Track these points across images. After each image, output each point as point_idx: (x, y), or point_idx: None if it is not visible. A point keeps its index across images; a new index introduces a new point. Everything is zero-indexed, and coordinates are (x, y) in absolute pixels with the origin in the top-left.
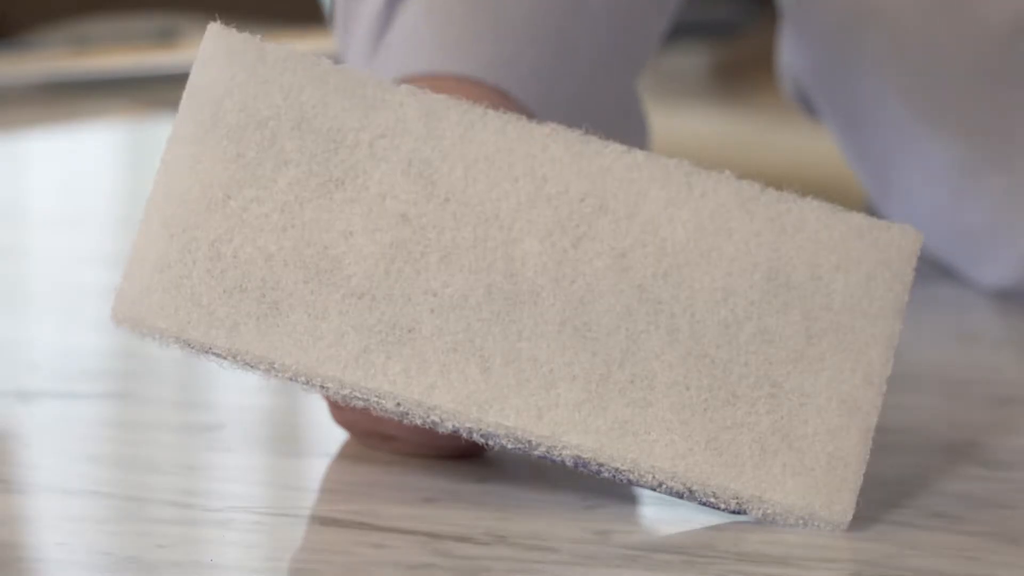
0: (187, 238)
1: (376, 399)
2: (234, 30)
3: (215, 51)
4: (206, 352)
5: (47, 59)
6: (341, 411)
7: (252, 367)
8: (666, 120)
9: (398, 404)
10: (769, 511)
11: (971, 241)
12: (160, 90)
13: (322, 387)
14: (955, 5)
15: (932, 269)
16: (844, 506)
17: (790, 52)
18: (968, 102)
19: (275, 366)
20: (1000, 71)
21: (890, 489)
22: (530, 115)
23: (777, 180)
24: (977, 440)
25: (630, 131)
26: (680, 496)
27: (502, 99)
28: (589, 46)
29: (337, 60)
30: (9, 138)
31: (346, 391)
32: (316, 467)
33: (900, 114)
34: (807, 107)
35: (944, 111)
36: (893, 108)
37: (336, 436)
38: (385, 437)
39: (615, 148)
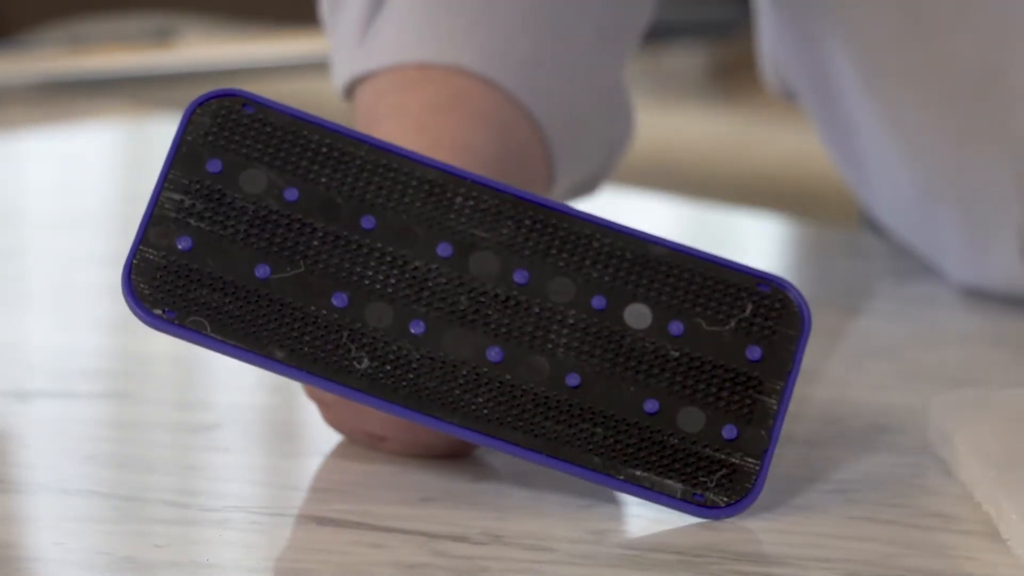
0: None
1: None
2: None
3: None
4: None
5: (44, 58)
6: (331, 411)
7: None
8: (664, 119)
9: None
10: None
11: (939, 235)
12: (157, 90)
13: None
14: (927, 38)
15: (927, 269)
16: None
17: (769, 39)
18: (931, 131)
19: None
20: (965, 107)
21: (886, 489)
22: (520, 107)
23: (773, 178)
24: None
25: (615, 123)
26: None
27: (492, 91)
28: (580, 37)
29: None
30: (5, 138)
31: None
32: (313, 467)
33: (868, 122)
34: (787, 93)
35: (908, 136)
36: (862, 112)
37: (333, 436)
38: (375, 436)
39: None
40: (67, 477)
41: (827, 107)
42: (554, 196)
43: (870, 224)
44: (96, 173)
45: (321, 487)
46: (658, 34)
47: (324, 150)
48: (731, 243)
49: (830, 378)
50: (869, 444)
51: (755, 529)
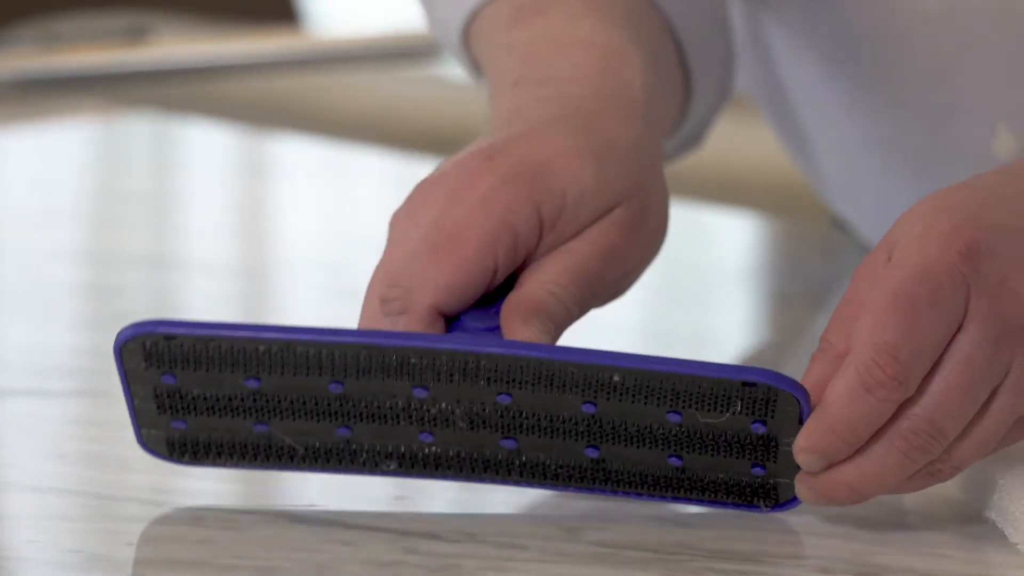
0: None
1: None
2: None
3: None
4: None
5: (18, 56)
6: None
7: None
8: None
9: None
10: None
11: None
12: (132, 88)
13: None
14: (883, 43)
15: None
16: None
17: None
18: (890, 129)
19: None
20: (922, 110)
21: None
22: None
23: (744, 176)
24: None
25: (727, 55)
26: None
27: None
28: None
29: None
30: None
31: None
32: None
33: (822, 136)
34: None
35: (866, 128)
36: (812, 110)
37: None
38: None
39: None
40: (40, 475)
41: (781, 115)
42: (689, 122)
43: (839, 221)
44: (71, 170)
45: (294, 485)
46: None
47: (263, 348)
48: (704, 240)
49: (801, 374)
50: None
51: (729, 527)
